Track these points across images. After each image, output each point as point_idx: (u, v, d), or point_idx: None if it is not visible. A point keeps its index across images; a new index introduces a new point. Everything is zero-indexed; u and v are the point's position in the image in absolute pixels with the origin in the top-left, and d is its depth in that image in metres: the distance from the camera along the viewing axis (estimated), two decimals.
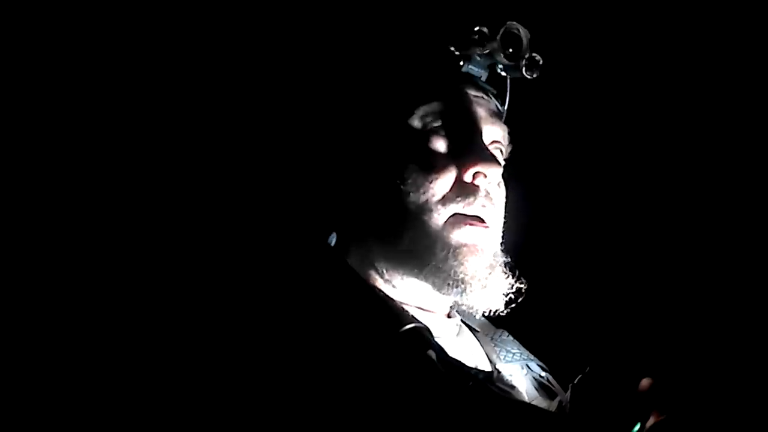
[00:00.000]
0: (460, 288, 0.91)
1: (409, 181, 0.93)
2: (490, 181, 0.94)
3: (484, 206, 0.94)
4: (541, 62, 0.97)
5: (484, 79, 1.00)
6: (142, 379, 0.97)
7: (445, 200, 0.93)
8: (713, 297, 1.34)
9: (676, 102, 1.50)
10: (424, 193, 0.92)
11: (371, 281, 0.97)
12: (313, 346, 0.81)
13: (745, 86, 1.46)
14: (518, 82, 1.01)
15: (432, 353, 0.85)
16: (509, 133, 1.02)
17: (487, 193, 0.95)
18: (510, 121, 1.04)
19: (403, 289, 0.96)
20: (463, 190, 0.93)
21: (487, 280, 0.92)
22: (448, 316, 1.02)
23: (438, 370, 0.83)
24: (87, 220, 1.24)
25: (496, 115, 1.00)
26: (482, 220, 0.94)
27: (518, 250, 1.00)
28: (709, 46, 1.46)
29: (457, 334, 1.02)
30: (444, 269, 0.91)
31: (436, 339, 0.89)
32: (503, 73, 0.99)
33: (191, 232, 1.25)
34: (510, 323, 1.10)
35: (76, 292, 1.19)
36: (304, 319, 0.84)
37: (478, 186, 0.94)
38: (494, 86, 1.02)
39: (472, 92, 0.98)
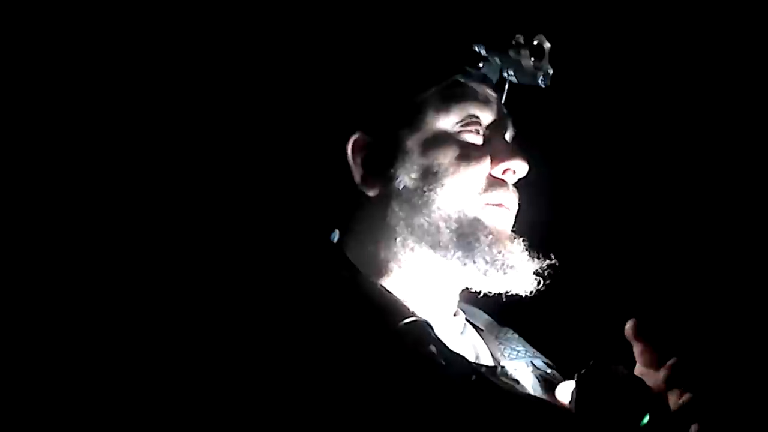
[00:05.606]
0: (499, 271, 0.95)
1: (445, 176, 0.97)
2: (519, 176, 1.00)
3: (508, 198, 1.00)
4: (551, 73, 1.03)
5: (495, 81, 1.04)
6: (142, 379, 0.97)
7: (476, 193, 0.97)
8: (716, 290, 1.34)
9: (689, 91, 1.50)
10: (457, 187, 0.97)
11: (373, 276, 0.97)
12: (312, 343, 0.80)
13: (746, 84, 1.46)
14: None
15: (433, 347, 0.84)
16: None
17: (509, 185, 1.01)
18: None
19: (409, 283, 0.97)
20: (491, 184, 0.98)
21: (520, 261, 0.97)
22: (454, 315, 1.02)
23: (439, 364, 0.82)
24: (88, 220, 1.24)
25: (507, 116, 1.06)
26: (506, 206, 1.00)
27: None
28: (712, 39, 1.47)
29: (461, 332, 1.02)
30: (482, 254, 0.95)
31: (438, 334, 0.88)
32: (513, 79, 1.03)
33: (190, 230, 1.25)
34: (514, 322, 1.09)
35: (78, 293, 1.19)
36: (303, 317, 0.83)
37: (505, 180, 0.99)
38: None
39: (491, 93, 1.03)
